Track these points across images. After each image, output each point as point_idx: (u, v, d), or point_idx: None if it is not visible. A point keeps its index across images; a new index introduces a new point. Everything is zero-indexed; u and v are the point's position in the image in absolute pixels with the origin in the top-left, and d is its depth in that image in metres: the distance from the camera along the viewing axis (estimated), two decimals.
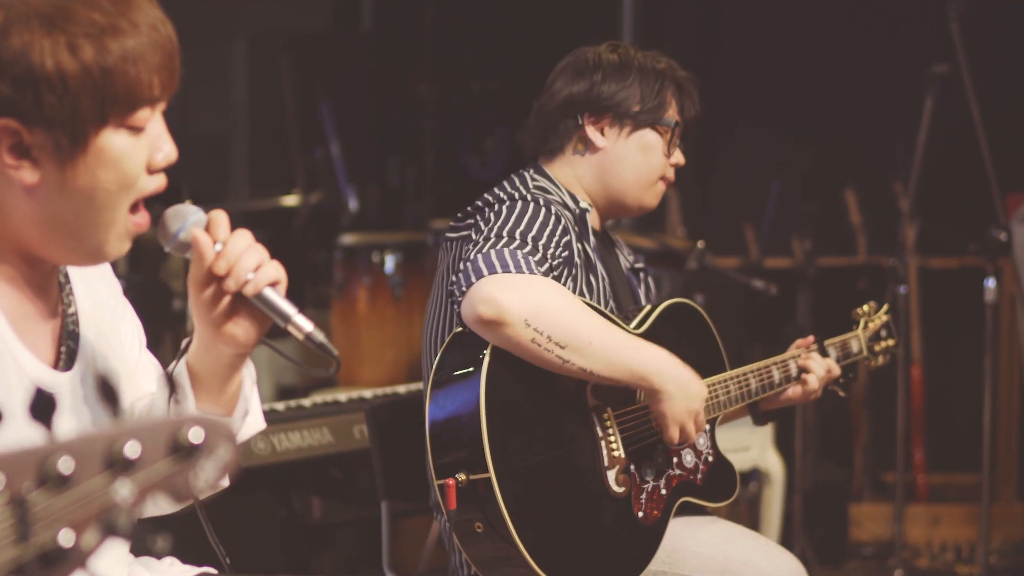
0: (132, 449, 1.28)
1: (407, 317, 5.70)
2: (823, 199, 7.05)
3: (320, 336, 2.05)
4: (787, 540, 5.56)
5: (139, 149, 1.94)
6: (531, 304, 2.77)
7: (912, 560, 6.09)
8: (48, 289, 2.07)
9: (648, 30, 7.46)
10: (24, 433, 1.27)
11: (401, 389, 4.51)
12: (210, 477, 1.35)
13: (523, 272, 2.81)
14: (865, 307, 3.63)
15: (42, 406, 1.27)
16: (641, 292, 3.38)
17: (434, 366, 2.89)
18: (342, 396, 4.31)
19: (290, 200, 6.48)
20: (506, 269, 2.80)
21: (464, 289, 2.81)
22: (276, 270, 2.06)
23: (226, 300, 2.06)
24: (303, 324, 2.04)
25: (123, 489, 1.28)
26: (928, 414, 6.72)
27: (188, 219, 2.06)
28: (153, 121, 1.96)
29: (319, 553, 4.62)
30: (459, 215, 3.11)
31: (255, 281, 2.04)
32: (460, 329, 2.90)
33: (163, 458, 1.31)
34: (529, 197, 3.02)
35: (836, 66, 7.17)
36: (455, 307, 2.87)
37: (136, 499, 1.29)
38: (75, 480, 1.25)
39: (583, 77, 3.21)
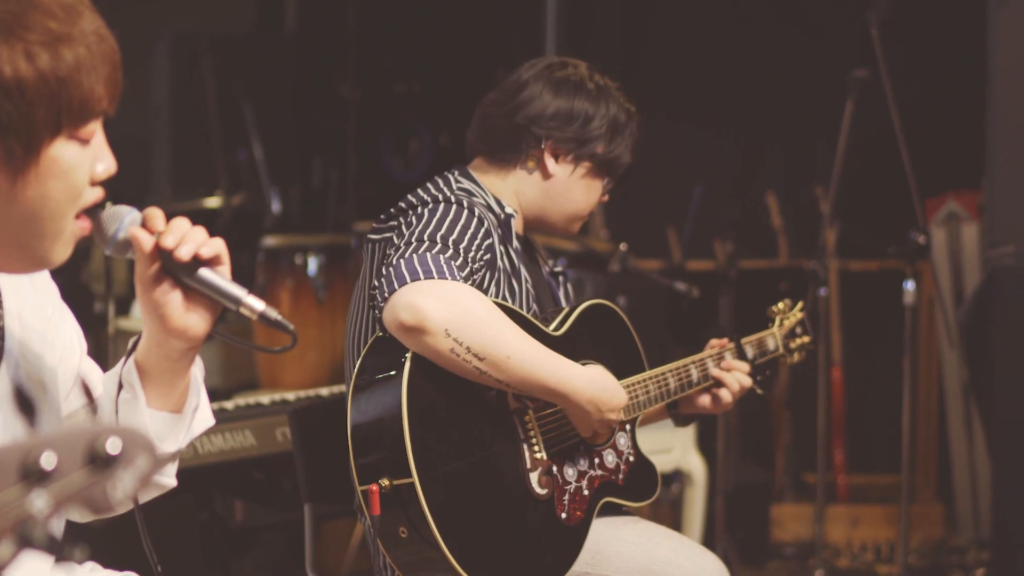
0: (48, 460, 1.27)
1: (330, 319, 5.68)
2: (745, 202, 7.10)
3: (274, 313, 2.06)
4: (709, 540, 5.59)
5: (85, 160, 1.91)
6: (453, 313, 2.76)
7: (833, 560, 6.14)
8: None
9: (571, 33, 7.47)
10: None
11: (324, 391, 4.49)
12: (128, 488, 1.33)
13: (445, 278, 2.79)
14: (780, 304, 3.65)
15: None
16: (561, 296, 3.39)
17: (355, 370, 2.88)
18: (264, 399, 4.28)
19: (212, 202, 6.43)
20: (428, 275, 2.78)
21: (387, 295, 2.79)
22: (221, 244, 2.05)
23: (174, 286, 2.04)
24: (255, 304, 2.06)
25: (39, 500, 1.26)
26: (848, 415, 6.78)
27: (124, 219, 2.04)
28: (97, 133, 1.94)
29: (241, 557, 4.60)
30: (382, 216, 3.10)
31: (208, 246, 2.03)
32: (382, 333, 2.89)
33: (80, 469, 1.30)
34: (453, 199, 3.01)
35: (757, 70, 7.21)
36: (377, 313, 2.86)
37: (52, 510, 1.27)
38: None
39: (561, 95, 3.19)
